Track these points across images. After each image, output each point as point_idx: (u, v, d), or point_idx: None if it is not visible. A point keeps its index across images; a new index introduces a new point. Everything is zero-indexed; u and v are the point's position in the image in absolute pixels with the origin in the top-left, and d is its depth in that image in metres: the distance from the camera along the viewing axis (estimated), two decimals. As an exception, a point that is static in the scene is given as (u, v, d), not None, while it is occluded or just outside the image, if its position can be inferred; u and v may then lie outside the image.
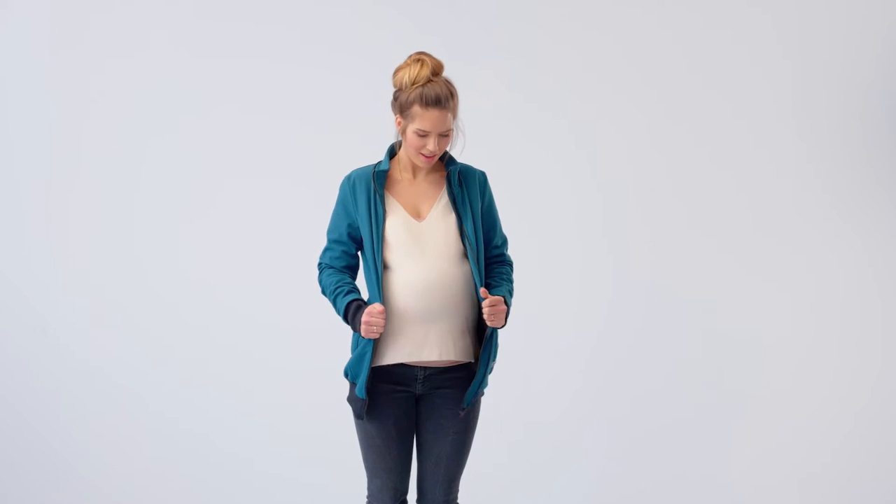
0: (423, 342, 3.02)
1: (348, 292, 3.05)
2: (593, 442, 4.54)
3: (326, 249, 3.15)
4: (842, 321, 4.49)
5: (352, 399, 3.11)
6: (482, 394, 3.17)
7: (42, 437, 4.63)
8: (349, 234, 3.09)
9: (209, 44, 4.58)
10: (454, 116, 2.99)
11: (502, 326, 3.02)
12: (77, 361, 4.63)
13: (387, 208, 3.04)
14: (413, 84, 2.95)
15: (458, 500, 3.25)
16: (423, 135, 2.96)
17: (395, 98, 3.02)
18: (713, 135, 4.53)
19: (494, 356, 3.10)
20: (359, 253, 3.15)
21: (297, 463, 4.55)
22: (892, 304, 4.48)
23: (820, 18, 4.47)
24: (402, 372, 3.06)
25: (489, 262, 3.17)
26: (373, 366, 3.03)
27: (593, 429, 4.54)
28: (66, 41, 4.60)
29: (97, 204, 4.63)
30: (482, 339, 3.09)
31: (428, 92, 2.93)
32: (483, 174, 3.15)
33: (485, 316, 2.95)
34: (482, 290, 2.95)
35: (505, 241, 3.21)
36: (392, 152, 3.14)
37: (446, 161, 3.12)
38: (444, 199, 3.08)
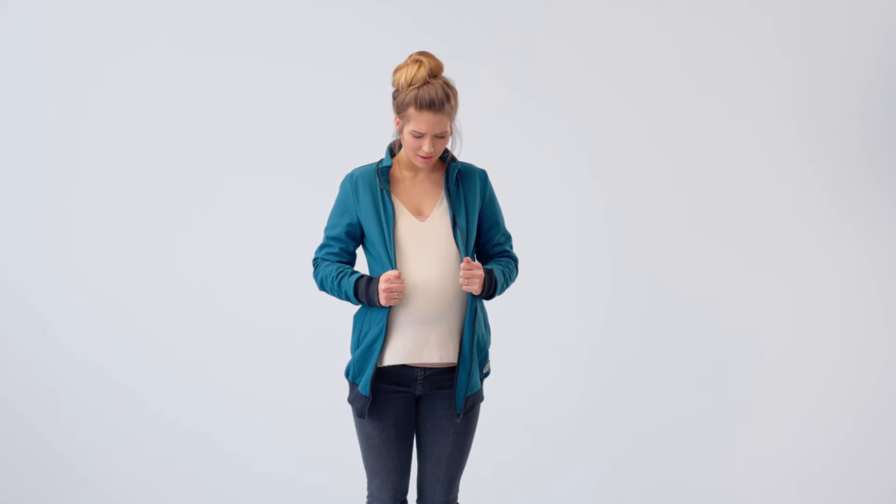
0: (424, 343, 3.02)
1: (352, 273, 3.05)
2: (594, 443, 4.54)
3: (323, 246, 3.14)
4: (843, 321, 4.49)
5: (353, 398, 3.11)
6: (482, 398, 3.18)
7: (42, 437, 4.63)
8: (348, 233, 3.09)
9: (209, 44, 4.58)
10: (451, 119, 2.98)
11: (480, 295, 3.02)
12: (77, 361, 4.63)
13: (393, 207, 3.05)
14: (410, 85, 2.95)
15: (459, 501, 3.26)
16: (418, 136, 2.97)
17: (394, 98, 3.02)
18: (713, 134, 4.53)
19: (480, 359, 3.09)
20: (356, 252, 3.15)
21: (297, 463, 4.55)
22: (893, 304, 4.48)
23: (820, 18, 4.47)
24: (403, 372, 3.06)
25: (492, 257, 3.17)
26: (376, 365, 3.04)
27: (594, 430, 4.54)
28: (67, 41, 4.60)
29: (97, 204, 4.62)
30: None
31: (423, 95, 2.92)
32: (483, 172, 3.15)
33: (461, 279, 2.95)
34: (465, 259, 2.96)
35: (508, 239, 3.21)
36: (392, 151, 3.14)
37: (447, 160, 3.12)
38: (445, 199, 3.08)
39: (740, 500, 4.45)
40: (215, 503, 4.54)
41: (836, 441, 4.47)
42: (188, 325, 4.60)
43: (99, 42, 4.59)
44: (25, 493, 4.58)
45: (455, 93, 2.98)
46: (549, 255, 4.53)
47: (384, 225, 3.02)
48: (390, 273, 2.94)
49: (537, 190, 4.54)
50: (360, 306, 3.10)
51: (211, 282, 4.59)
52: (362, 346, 3.06)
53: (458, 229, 3.03)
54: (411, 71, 2.94)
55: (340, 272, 3.06)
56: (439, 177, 3.11)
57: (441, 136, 2.98)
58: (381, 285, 2.94)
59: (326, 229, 3.14)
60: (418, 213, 3.06)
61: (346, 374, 3.15)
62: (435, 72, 2.95)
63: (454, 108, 2.98)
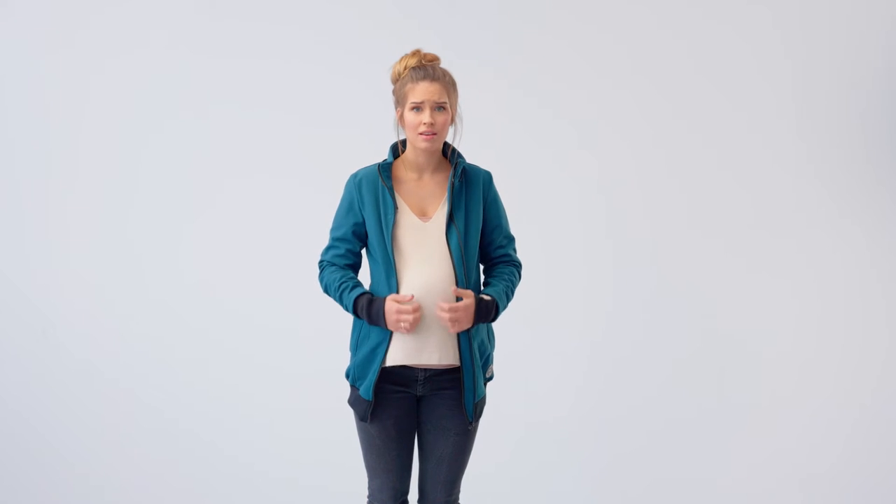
0: (424, 344, 3.02)
1: (354, 287, 3.04)
2: (595, 442, 4.54)
3: (329, 247, 3.14)
4: (844, 320, 4.49)
5: (355, 402, 3.11)
6: (485, 402, 3.17)
7: (42, 437, 4.63)
8: (354, 233, 3.09)
9: (209, 42, 4.57)
10: (450, 96, 3.01)
11: (481, 321, 3.01)
12: (77, 362, 4.63)
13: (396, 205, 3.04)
14: (405, 70, 3.02)
15: (460, 501, 3.26)
16: (417, 108, 2.98)
17: (393, 93, 3.05)
18: (715, 134, 4.52)
19: (482, 363, 3.09)
20: (363, 252, 3.14)
21: (298, 463, 4.54)
22: (895, 303, 4.48)
23: (821, 18, 4.46)
24: (404, 373, 3.06)
25: (494, 262, 3.17)
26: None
27: (595, 429, 4.54)
28: (65, 40, 4.59)
29: (97, 204, 4.62)
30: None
31: (417, 70, 3.00)
32: (488, 174, 3.15)
33: (446, 321, 2.95)
34: (453, 290, 2.96)
35: (511, 241, 3.20)
36: (395, 151, 3.14)
37: (453, 157, 3.11)
38: (448, 197, 3.07)
39: (740, 499, 4.45)
40: None
41: (837, 440, 4.47)
42: (188, 325, 4.59)
43: (97, 41, 4.58)
44: (25, 493, 4.57)
45: (452, 76, 3.04)
46: (550, 253, 4.52)
47: (383, 222, 3.02)
48: (405, 302, 2.95)
49: (538, 189, 4.54)
50: None
51: (211, 282, 4.59)
52: (364, 350, 3.06)
53: (454, 227, 3.03)
54: (406, 60, 3.04)
55: (342, 284, 3.06)
56: (444, 178, 3.10)
57: (441, 108, 2.99)
58: (392, 307, 2.95)
59: (332, 230, 3.14)
60: (422, 214, 3.06)
61: (347, 377, 3.15)
62: (430, 59, 3.03)
63: (452, 85, 3.03)
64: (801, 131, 4.49)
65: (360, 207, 3.07)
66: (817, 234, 4.50)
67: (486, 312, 3.02)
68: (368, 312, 2.99)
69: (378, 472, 3.16)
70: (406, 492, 3.20)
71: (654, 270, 4.53)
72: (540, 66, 4.54)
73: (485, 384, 3.15)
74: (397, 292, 2.99)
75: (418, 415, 3.14)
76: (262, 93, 4.57)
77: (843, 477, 4.44)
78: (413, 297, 2.96)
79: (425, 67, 3.00)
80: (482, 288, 3.14)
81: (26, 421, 4.64)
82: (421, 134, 2.99)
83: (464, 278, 3.02)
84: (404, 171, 3.11)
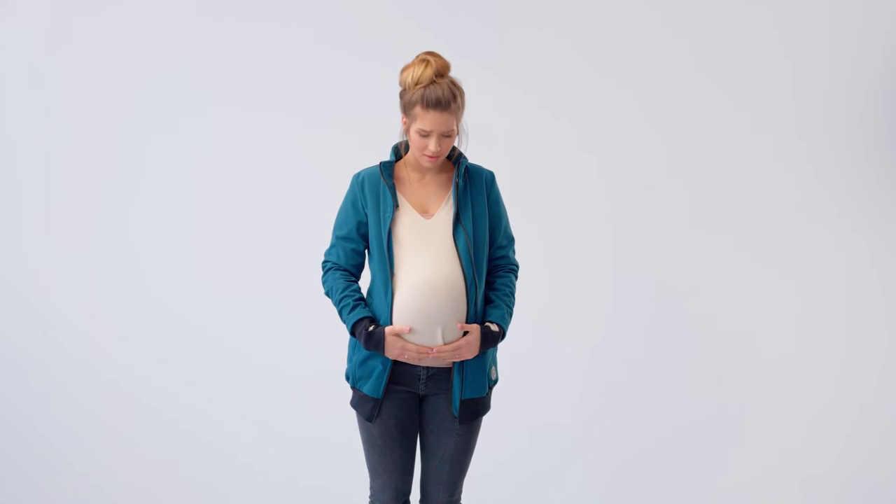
0: (426, 343, 3.01)
1: (354, 307, 3.04)
2: (598, 444, 4.53)
3: (333, 247, 3.13)
4: (844, 321, 4.49)
5: (359, 402, 3.10)
6: (488, 408, 3.16)
7: (42, 437, 4.63)
8: (358, 231, 3.08)
9: (209, 42, 4.57)
10: (458, 118, 2.99)
11: (488, 347, 3.05)
12: (77, 361, 4.62)
13: (397, 202, 3.04)
14: (416, 84, 2.94)
15: (462, 502, 3.26)
16: (424, 135, 2.96)
17: (401, 97, 3.02)
18: (715, 134, 4.52)
19: (482, 364, 3.10)
20: (366, 251, 3.14)
21: (298, 463, 4.54)
22: (895, 304, 4.49)
23: (821, 17, 4.46)
24: (406, 372, 3.06)
25: (493, 264, 3.16)
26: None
27: (597, 431, 4.53)
28: (65, 39, 4.59)
29: (97, 204, 4.62)
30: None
31: (429, 94, 2.92)
32: (491, 174, 3.14)
33: (447, 357, 2.99)
34: (458, 325, 2.98)
35: (511, 242, 3.19)
36: (397, 152, 3.14)
37: (455, 158, 3.11)
38: (452, 198, 3.07)
39: (742, 502, 4.45)
40: None
41: (838, 441, 4.47)
42: (188, 324, 4.59)
43: (97, 41, 4.58)
44: (25, 493, 4.57)
45: (462, 92, 2.98)
46: (550, 255, 4.52)
47: (381, 218, 3.02)
48: (404, 333, 2.97)
49: (538, 190, 4.54)
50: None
51: (211, 282, 4.58)
52: (363, 350, 3.06)
53: (460, 227, 3.03)
54: (418, 70, 2.94)
55: (343, 300, 3.05)
56: (447, 178, 3.10)
57: (447, 136, 2.97)
58: (395, 343, 2.97)
59: (335, 229, 3.13)
60: (424, 212, 3.06)
61: (347, 379, 3.15)
62: (442, 71, 2.96)
63: (461, 108, 2.98)
64: (801, 131, 4.49)
65: (362, 206, 3.06)
66: (817, 234, 4.50)
67: (493, 340, 3.05)
68: (366, 342, 3.00)
69: (380, 473, 3.16)
70: (408, 492, 3.20)
71: (655, 272, 4.53)
72: (540, 66, 4.54)
73: (490, 388, 3.15)
74: (393, 292, 2.99)
75: (420, 415, 3.14)
76: (263, 93, 4.56)
77: (844, 479, 4.44)
78: (411, 329, 2.97)
79: (437, 90, 2.92)
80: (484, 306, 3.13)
81: (26, 421, 4.64)
82: (425, 156, 3.00)
83: (473, 278, 3.02)
84: (407, 172, 3.11)
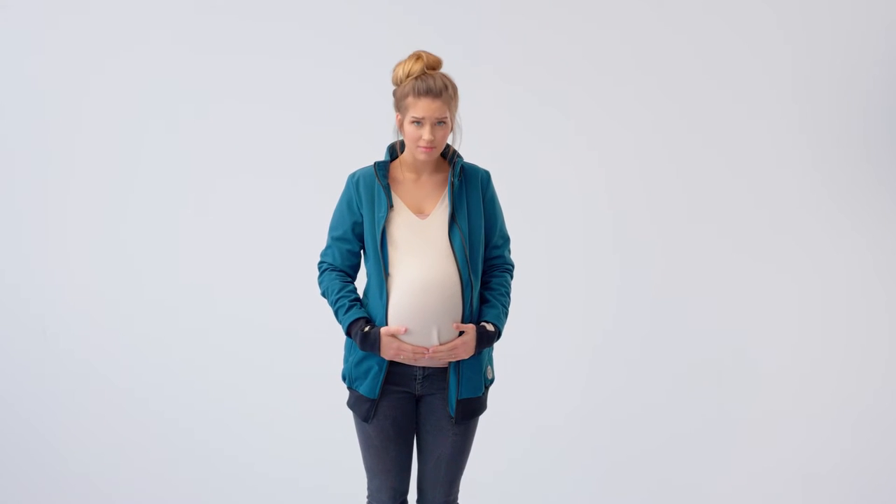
0: (421, 343, 3.01)
1: (349, 307, 3.04)
2: (597, 446, 4.52)
3: (329, 248, 3.13)
4: (846, 322, 4.48)
5: (356, 403, 3.11)
6: (484, 408, 3.16)
7: (42, 437, 4.63)
8: (353, 231, 3.08)
9: (208, 40, 4.56)
10: (451, 108, 2.99)
11: (484, 347, 3.05)
12: (76, 362, 4.62)
13: (391, 202, 3.04)
14: (407, 77, 2.98)
15: (459, 502, 3.25)
16: (417, 122, 2.97)
17: (393, 95, 3.03)
18: (716, 134, 4.51)
19: (479, 364, 3.09)
20: (362, 252, 3.14)
21: (298, 464, 4.54)
22: (896, 304, 4.49)
23: (823, 16, 4.46)
24: (402, 372, 3.06)
25: (488, 264, 3.16)
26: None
27: (598, 433, 4.53)
28: (62, 38, 4.58)
29: (96, 204, 4.61)
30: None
31: (420, 83, 2.95)
32: (486, 173, 3.14)
33: (443, 356, 2.98)
34: (454, 325, 2.98)
35: (506, 242, 3.19)
36: (392, 151, 3.14)
37: (451, 157, 3.11)
38: (447, 198, 3.07)
39: (742, 502, 4.45)
40: (215, 504, 4.56)
41: (839, 444, 4.46)
42: (187, 326, 4.59)
43: (96, 39, 4.57)
44: (25, 493, 4.57)
45: (454, 85, 3.00)
46: (551, 254, 4.52)
47: (375, 218, 3.02)
48: (400, 334, 2.97)
49: (539, 188, 4.53)
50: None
51: (210, 282, 4.58)
52: (359, 352, 3.06)
53: (456, 226, 3.03)
54: (409, 64, 2.98)
55: (339, 300, 3.05)
56: (443, 177, 3.10)
57: (441, 124, 2.98)
58: (390, 343, 2.97)
59: (330, 230, 3.13)
60: (419, 212, 3.06)
61: (344, 380, 3.15)
62: (432, 65, 2.99)
63: (453, 98, 2.99)
64: (803, 131, 4.48)
65: (358, 206, 3.07)
66: (819, 233, 4.50)
67: (489, 340, 3.05)
68: (362, 343, 3.00)
69: (377, 473, 3.16)
70: (405, 492, 3.20)
71: (656, 272, 4.52)
72: (540, 63, 4.53)
73: (486, 388, 3.15)
74: (388, 292, 2.99)
75: (417, 415, 3.14)
76: (262, 90, 4.56)
77: (845, 482, 4.43)
78: (406, 329, 2.97)
79: (428, 79, 2.96)
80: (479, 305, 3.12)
81: (26, 421, 4.64)
82: (420, 147, 2.99)
83: (468, 278, 3.01)
84: (402, 172, 3.11)
